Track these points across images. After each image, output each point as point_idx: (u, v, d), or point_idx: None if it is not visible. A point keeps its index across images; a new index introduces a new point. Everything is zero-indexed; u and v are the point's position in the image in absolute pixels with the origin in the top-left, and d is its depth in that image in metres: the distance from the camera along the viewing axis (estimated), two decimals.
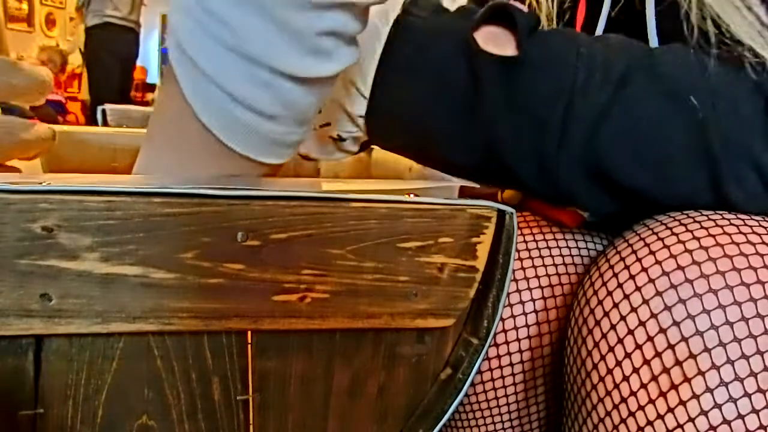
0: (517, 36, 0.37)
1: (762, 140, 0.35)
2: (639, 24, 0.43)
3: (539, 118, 0.36)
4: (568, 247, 0.50)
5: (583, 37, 0.38)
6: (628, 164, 0.37)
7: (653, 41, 0.43)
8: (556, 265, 0.49)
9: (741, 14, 0.36)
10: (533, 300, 0.48)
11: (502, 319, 0.47)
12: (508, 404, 0.49)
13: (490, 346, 0.45)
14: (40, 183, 0.31)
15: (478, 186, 0.41)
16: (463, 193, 0.44)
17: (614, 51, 0.37)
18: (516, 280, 0.48)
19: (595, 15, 0.48)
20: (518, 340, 0.48)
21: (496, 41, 0.37)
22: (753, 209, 0.37)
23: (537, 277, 0.48)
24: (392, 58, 0.38)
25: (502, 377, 0.48)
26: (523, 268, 0.49)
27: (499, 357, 0.48)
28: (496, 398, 0.49)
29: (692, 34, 0.37)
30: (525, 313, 0.48)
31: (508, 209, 0.41)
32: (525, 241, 0.50)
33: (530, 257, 0.49)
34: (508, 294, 0.47)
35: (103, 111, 1.23)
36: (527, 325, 0.48)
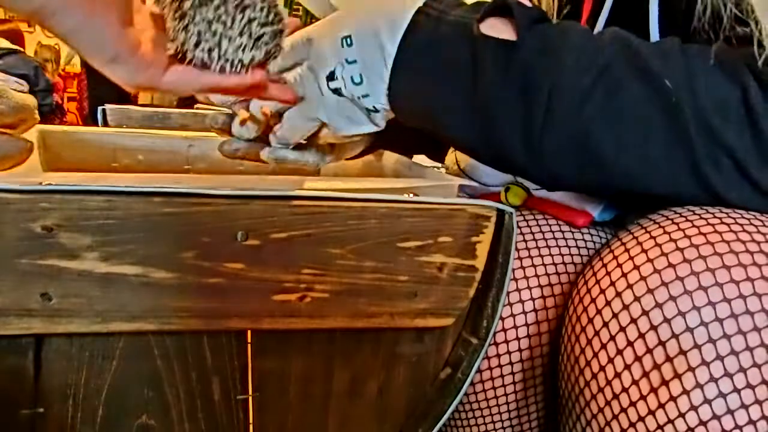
0: (516, 26, 0.40)
1: (735, 127, 0.36)
2: (641, 15, 0.44)
3: (528, 96, 0.39)
4: (567, 246, 0.50)
5: (579, 29, 0.41)
6: (610, 142, 0.38)
7: (654, 30, 0.45)
8: (555, 265, 0.49)
9: None
10: (533, 299, 0.48)
11: (502, 319, 0.47)
12: (507, 403, 0.49)
13: (489, 345, 0.45)
14: (40, 183, 0.31)
15: (477, 185, 0.42)
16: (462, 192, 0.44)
17: (604, 42, 0.40)
18: (516, 280, 0.48)
19: (598, 9, 0.48)
20: (518, 339, 0.48)
21: (498, 30, 0.41)
22: (734, 197, 0.38)
23: (536, 276, 0.48)
24: (409, 43, 0.42)
25: (502, 376, 0.48)
26: (522, 268, 0.49)
27: (498, 356, 0.48)
28: (496, 397, 0.49)
29: (704, 13, 0.39)
30: (524, 313, 0.48)
31: (508, 209, 0.41)
32: (525, 241, 0.50)
33: (530, 257, 0.49)
34: (508, 293, 0.47)
35: (103, 111, 1.23)
36: (527, 325, 0.48)
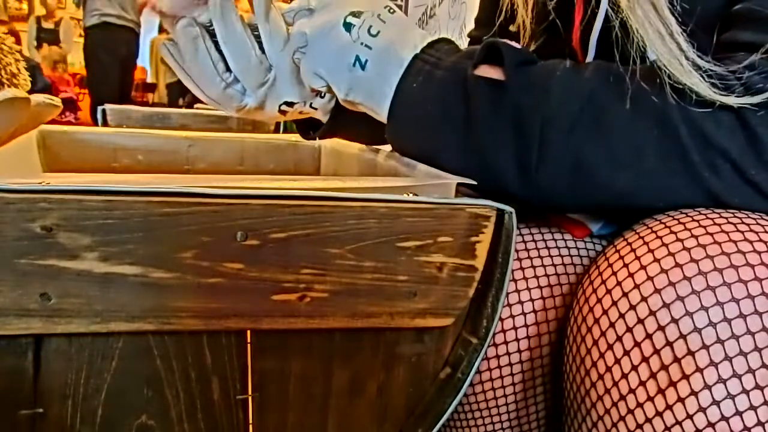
0: (505, 66, 0.42)
1: (728, 129, 0.36)
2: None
3: (520, 130, 0.41)
4: (567, 247, 0.50)
5: (563, 65, 0.42)
6: (604, 163, 0.39)
7: (590, 56, 0.48)
8: (555, 266, 0.49)
9: (663, 41, 0.38)
10: (532, 300, 0.48)
11: (502, 319, 0.47)
12: (507, 404, 0.49)
13: (489, 345, 0.45)
14: (40, 183, 0.31)
15: (475, 183, 0.42)
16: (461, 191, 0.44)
17: (587, 73, 0.41)
18: (515, 280, 0.48)
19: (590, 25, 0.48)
20: (517, 340, 0.48)
21: (489, 74, 0.43)
22: (737, 202, 0.38)
23: (536, 277, 0.48)
24: (407, 85, 0.45)
25: (501, 377, 0.48)
26: (522, 268, 0.49)
27: (498, 357, 0.48)
28: (495, 398, 0.49)
29: (621, 55, 0.41)
30: (524, 313, 0.48)
31: (508, 208, 0.41)
32: (524, 241, 0.50)
33: (530, 257, 0.49)
34: (508, 294, 0.47)
35: (103, 111, 1.23)
36: (526, 325, 0.48)
